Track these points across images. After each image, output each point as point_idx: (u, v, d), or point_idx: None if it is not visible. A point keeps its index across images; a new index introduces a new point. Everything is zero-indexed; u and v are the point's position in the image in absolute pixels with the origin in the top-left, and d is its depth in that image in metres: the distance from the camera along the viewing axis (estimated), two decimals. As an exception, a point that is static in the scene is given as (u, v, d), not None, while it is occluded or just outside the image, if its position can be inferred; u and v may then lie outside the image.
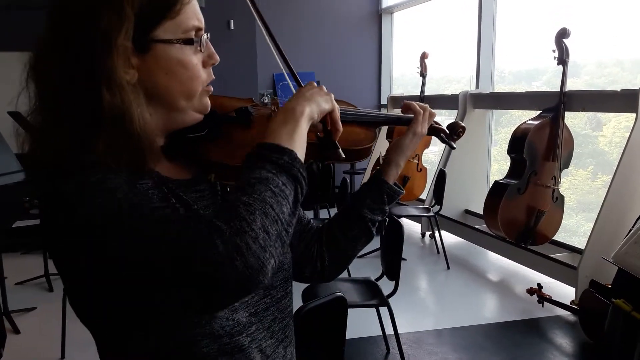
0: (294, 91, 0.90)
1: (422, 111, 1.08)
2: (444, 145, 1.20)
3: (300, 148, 0.78)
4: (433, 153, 6.25)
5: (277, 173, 0.73)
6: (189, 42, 0.79)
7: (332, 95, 0.88)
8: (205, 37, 0.82)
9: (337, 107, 0.88)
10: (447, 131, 1.18)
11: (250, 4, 0.99)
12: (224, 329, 0.81)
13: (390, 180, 1.07)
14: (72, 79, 0.73)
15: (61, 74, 0.74)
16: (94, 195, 0.69)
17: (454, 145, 1.19)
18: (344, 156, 0.88)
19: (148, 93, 0.78)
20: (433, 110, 1.12)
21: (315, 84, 0.88)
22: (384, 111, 6.80)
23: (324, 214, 5.24)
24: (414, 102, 1.10)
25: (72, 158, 0.73)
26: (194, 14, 0.80)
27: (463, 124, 1.17)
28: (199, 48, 0.81)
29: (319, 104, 0.84)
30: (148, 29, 0.76)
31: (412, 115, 1.08)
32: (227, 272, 0.64)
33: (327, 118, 0.88)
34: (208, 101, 0.86)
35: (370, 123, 1.07)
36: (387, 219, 2.74)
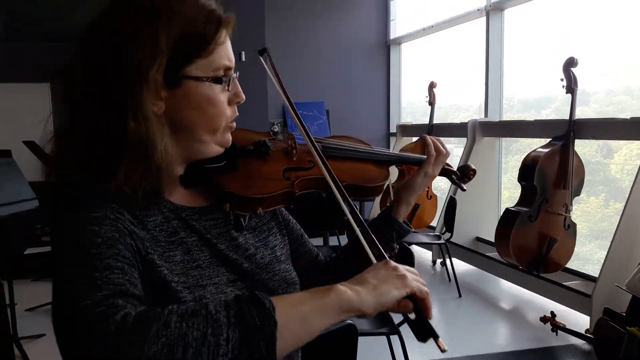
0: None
1: (435, 154, 1.10)
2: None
3: (296, 322, 0.65)
4: (443, 180, 6.22)
5: (230, 325, 0.61)
6: (218, 81, 0.81)
7: (411, 276, 0.77)
8: (234, 76, 0.84)
9: (417, 288, 0.76)
10: (458, 173, 1.19)
11: (266, 66, 1.02)
12: None
13: (400, 218, 1.08)
14: (101, 109, 0.74)
15: (90, 102, 0.75)
16: (82, 235, 0.70)
17: (464, 188, 1.20)
18: (446, 348, 0.77)
19: (173, 125, 0.80)
20: (447, 151, 1.12)
21: (393, 265, 0.77)
22: (392, 140, 6.83)
23: (333, 241, 5.22)
24: (430, 141, 1.11)
25: (87, 187, 0.74)
26: (225, 54, 0.83)
27: (474, 167, 1.19)
28: (226, 87, 0.83)
29: (381, 298, 0.73)
30: (180, 66, 0.78)
31: (425, 157, 1.10)
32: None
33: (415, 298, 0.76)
34: (230, 136, 0.88)
35: (383, 162, 1.09)
36: (398, 246, 2.73)
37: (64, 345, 0.69)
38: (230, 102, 0.85)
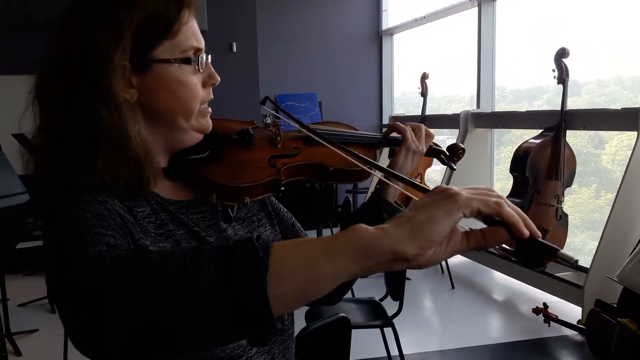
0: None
1: (406, 128, 1.09)
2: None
3: (300, 269, 0.53)
4: (436, 172, 6.25)
5: (212, 256, 0.54)
6: (186, 61, 0.80)
7: (470, 192, 0.58)
8: (204, 57, 0.83)
9: (480, 202, 0.57)
10: (447, 153, 1.19)
11: (273, 112, 1.02)
12: (224, 351, 0.81)
13: (390, 198, 1.07)
14: (72, 99, 0.75)
15: (61, 95, 0.76)
16: (71, 213, 0.70)
17: (454, 167, 1.20)
18: (575, 259, 0.58)
19: (148, 112, 0.80)
20: (429, 130, 1.12)
21: (442, 188, 0.59)
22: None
23: (326, 233, 5.23)
24: (397, 122, 1.11)
25: (72, 179, 0.73)
26: (192, 35, 0.82)
27: (463, 146, 1.18)
28: (197, 68, 0.82)
29: (420, 230, 0.55)
30: (147, 49, 0.78)
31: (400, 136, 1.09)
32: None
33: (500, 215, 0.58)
34: (209, 121, 0.87)
35: (369, 144, 1.08)
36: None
37: (63, 304, 0.65)
38: (204, 84, 0.84)
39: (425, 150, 1.11)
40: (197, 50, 0.82)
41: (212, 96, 0.87)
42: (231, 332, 0.53)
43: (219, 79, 0.86)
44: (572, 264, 0.62)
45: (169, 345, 0.55)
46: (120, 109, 0.74)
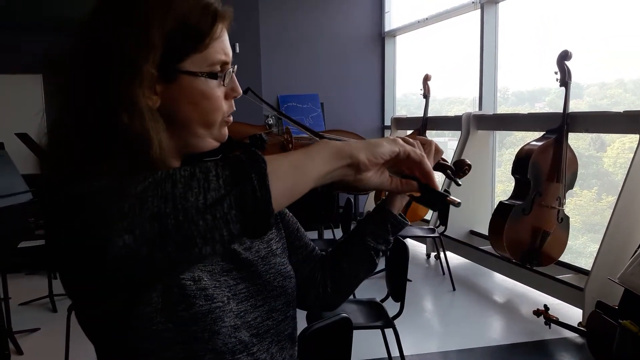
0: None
1: (415, 143, 1.08)
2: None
3: (290, 171, 0.65)
4: (437, 173, 6.23)
5: (220, 165, 0.61)
6: (213, 76, 0.80)
7: (405, 142, 0.76)
8: (230, 70, 0.83)
9: (410, 149, 0.75)
10: (454, 168, 1.19)
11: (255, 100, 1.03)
12: (226, 345, 0.81)
13: (395, 211, 1.07)
14: (94, 102, 0.73)
15: (83, 96, 0.74)
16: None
17: (460, 183, 1.20)
18: (459, 200, 0.77)
19: (168, 119, 0.79)
20: (438, 146, 1.12)
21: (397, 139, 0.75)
22: (387, 133, 6.83)
23: (328, 234, 5.22)
24: (406, 138, 1.10)
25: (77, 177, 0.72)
26: (221, 49, 0.81)
27: (469, 162, 1.18)
28: (222, 82, 0.82)
29: (372, 145, 0.72)
30: (175, 60, 0.77)
31: None
32: (73, 214, 0.61)
33: (407, 166, 0.77)
34: (226, 131, 0.87)
35: None
36: (392, 239, 2.73)
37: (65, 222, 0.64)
38: (227, 97, 0.84)
39: (432, 166, 1.11)
40: (224, 64, 0.82)
41: (234, 108, 0.86)
42: (237, 224, 0.60)
43: (241, 92, 0.86)
44: (456, 205, 0.72)
45: (176, 250, 0.58)
46: (143, 116, 0.73)
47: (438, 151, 1.11)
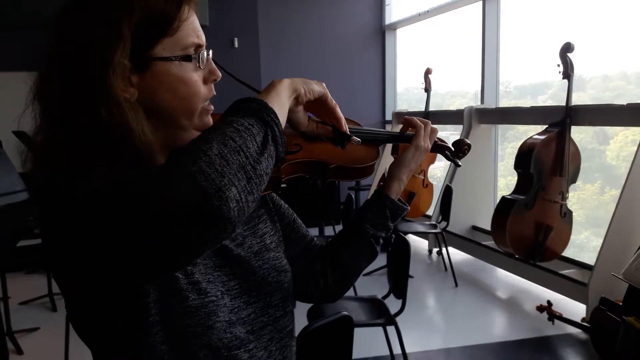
0: None
1: (422, 125, 1.07)
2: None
3: (278, 109, 0.75)
4: (439, 168, 6.22)
5: (243, 116, 0.70)
6: (187, 58, 0.79)
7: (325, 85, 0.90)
8: (204, 53, 0.82)
9: (329, 94, 0.90)
10: (452, 148, 1.16)
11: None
12: (222, 341, 0.81)
13: (393, 195, 1.05)
14: (71, 98, 0.73)
15: (60, 93, 0.74)
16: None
17: (460, 163, 1.17)
18: (359, 140, 0.90)
19: (149, 110, 0.78)
20: (434, 126, 1.11)
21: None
22: (388, 127, 6.80)
23: (329, 230, 5.21)
24: (414, 117, 1.09)
25: (70, 178, 0.71)
26: (192, 31, 0.80)
27: (468, 141, 1.15)
28: (198, 64, 0.81)
29: (306, 82, 0.84)
30: (146, 47, 0.76)
31: (413, 133, 1.07)
32: (178, 199, 0.60)
33: (324, 109, 0.90)
34: (210, 120, 0.85)
35: (373, 141, 1.06)
36: (394, 236, 2.71)
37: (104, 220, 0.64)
38: (205, 81, 0.83)
39: (430, 147, 1.09)
40: (198, 47, 0.81)
41: (214, 92, 0.86)
42: (274, 156, 0.71)
43: (220, 74, 0.85)
44: (357, 143, 0.77)
45: (257, 191, 0.66)
46: (121, 108, 0.73)
47: (433, 131, 1.10)
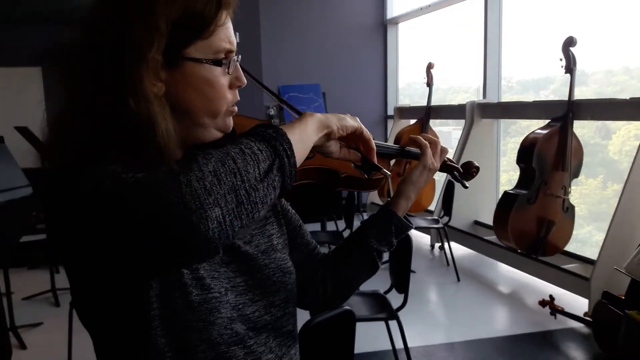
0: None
1: (427, 143, 1.07)
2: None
3: (298, 142, 0.75)
4: (437, 174, 6.21)
5: (256, 140, 0.71)
6: (217, 63, 0.80)
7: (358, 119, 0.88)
8: (234, 59, 0.83)
9: (364, 128, 0.88)
10: (461, 170, 1.16)
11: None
12: (222, 337, 0.82)
13: (400, 213, 1.06)
14: (100, 87, 0.74)
15: (89, 81, 0.75)
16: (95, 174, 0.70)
17: (467, 185, 1.18)
18: (389, 173, 0.93)
19: (173, 107, 0.79)
20: (444, 146, 1.10)
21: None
22: (390, 122, 6.79)
23: (331, 225, 5.21)
24: (419, 136, 1.09)
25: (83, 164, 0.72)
26: (226, 37, 0.82)
27: (477, 164, 1.16)
28: (227, 70, 0.82)
29: (340, 118, 0.84)
30: (180, 46, 0.78)
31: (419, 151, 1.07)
32: (160, 207, 0.62)
33: (357, 141, 0.88)
34: (231, 121, 0.87)
35: (383, 155, 1.06)
36: (396, 241, 2.70)
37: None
38: (231, 86, 0.84)
39: (439, 166, 1.09)
40: (229, 52, 0.82)
41: (239, 97, 0.87)
42: (278, 187, 0.71)
43: (245, 81, 0.86)
44: (387, 176, 0.78)
45: (246, 217, 0.66)
46: (150, 103, 0.74)
47: (444, 151, 1.09)
